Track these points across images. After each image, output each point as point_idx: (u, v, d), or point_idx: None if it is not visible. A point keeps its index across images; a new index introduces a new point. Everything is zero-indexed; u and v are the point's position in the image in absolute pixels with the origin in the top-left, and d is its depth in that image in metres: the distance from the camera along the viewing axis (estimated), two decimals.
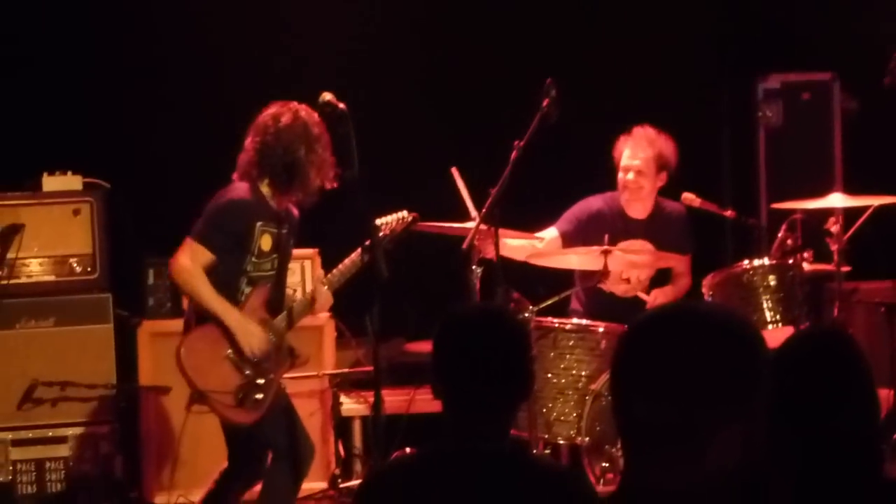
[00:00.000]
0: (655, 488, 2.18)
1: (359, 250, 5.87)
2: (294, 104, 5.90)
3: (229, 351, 5.75)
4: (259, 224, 5.80)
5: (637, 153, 6.93)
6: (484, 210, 6.27)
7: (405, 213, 6.14)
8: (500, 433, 3.41)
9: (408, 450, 3.53)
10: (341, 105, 5.66)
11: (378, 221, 5.96)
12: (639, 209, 7.03)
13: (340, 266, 5.98)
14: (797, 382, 3.13)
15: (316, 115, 5.85)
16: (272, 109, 5.90)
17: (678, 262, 7.05)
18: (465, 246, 6.31)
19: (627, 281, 7.06)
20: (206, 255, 5.74)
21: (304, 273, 7.43)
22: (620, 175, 6.98)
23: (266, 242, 5.84)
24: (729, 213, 7.14)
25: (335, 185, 5.90)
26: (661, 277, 7.16)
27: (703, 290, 6.68)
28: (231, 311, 5.74)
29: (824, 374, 3.11)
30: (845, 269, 6.97)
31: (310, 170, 5.83)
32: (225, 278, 5.78)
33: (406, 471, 3.39)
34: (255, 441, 5.83)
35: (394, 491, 3.36)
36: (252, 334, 5.76)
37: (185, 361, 5.72)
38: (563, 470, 3.49)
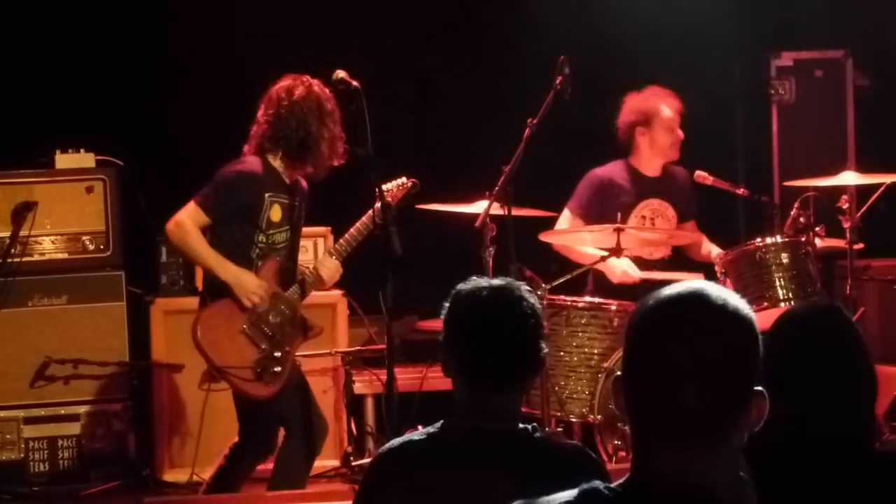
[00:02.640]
0: (678, 479, 2.12)
1: (364, 218, 5.89)
2: (307, 78, 5.90)
3: (245, 325, 5.76)
4: (268, 195, 5.80)
5: (673, 105, 6.97)
6: (497, 188, 6.28)
7: (404, 179, 6.14)
8: (512, 411, 3.40)
9: (419, 427, 3.53)
10: (355, 83, 5.65)
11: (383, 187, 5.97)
12: (654, 166, 7.05)
13: (347, 235, 5.99)
14: (790, 356, 3.14)
15: (328, 90, 5.85)
16: (286, 82, 5.90)
17: (689, 236, 7.05)
18: (478, 224, 6.31)
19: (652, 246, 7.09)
20: (202, 218, 5.75)
21: (317, 251, 7.43)
22: (665, 132, 6.96)
23: (276, 213, 5.84)
24: (741, 190, 7.14)
25: (342, 161, 5.90)
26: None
27: (716, 267, 6.68)
28: (225, 264, 5.74)
29: (816, 347, 3.12)
30: (858, 246, 6.96)
31: (321, 144, 5.84)
32: (237, 250, 5.79)
33: (417, 448, 3.38)
34: (268, 417, 5.84)
35: (404, 468, 3.35)
36: (248, 285, 5.76)
37: (201, 338, 5.72)
38: (575, 447, 3.46)
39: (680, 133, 7.02)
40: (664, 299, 2.17)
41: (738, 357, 2.13)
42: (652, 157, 7.06)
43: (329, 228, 7.40)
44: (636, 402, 2.16)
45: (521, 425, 3.37)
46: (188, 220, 5.73)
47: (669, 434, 2.13)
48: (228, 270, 5.75)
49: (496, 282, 3.48)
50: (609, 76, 7.82)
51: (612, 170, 7.10)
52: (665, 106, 7.01)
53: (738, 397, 2.13)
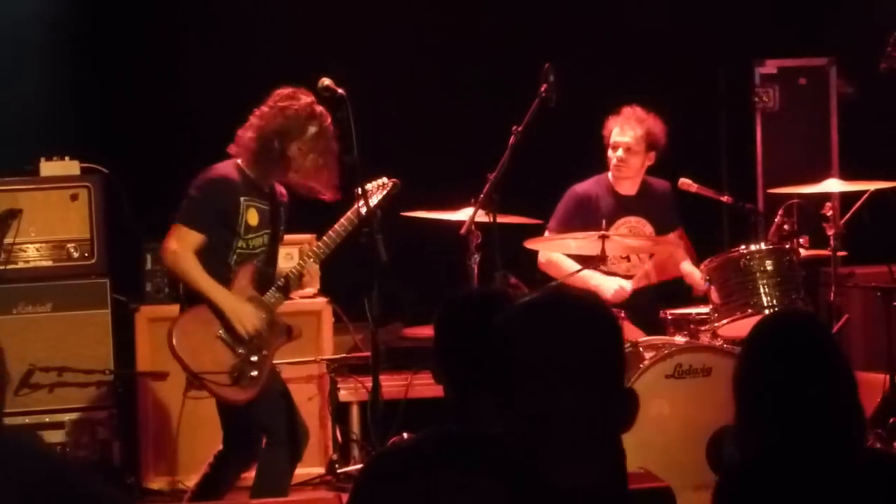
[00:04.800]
0: (569, 486, 2.18)
1: (342, 220, 5.90)
2: (307, 97, 5.88)
3: (221, 331, 5.75)
4: (243, 199, 5.81)
5: (626, 131, 6.99)
6: (482, 195, 6.29)
7: (385, 179, 6.15)
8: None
9: (405, 435, 3.53)
10: (340, 90, 5.65)
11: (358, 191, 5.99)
12: (628, 186, 7.08)
13: (325, 237, 5.99)
14: (766, 362, 3.16)
15: (327, 116, 5.84)
16: (288, 92, 5.90)
17: (674, 244, 7.07)
18: (463, 231, 6.32)
19: (627, 259, 7.09)
20: (194, 237, 5.74)
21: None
22: (610, 152, 7.03)
23: (252, 217, 5.84)
24: (726, 198, 7.15)
25: (330, 194, 5.91)
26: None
27: (701, 274, 6.69)
28: (221, 292, 5.74)
29: (790, 353, 3.14)
30: (841, 253, 7.00)
31: (293, 165, 5.83)
32: (215, 256, 5.79)
33: (410, 454, 3.39)
34: (250, 424, 5.84)
35: (398, 474, 3.36)
36: (243, 313, 5.76)
37: (176, 344, 5.72)
38: None
39: (622, 157, 6.98)
40: (525, 304, 2.28)
41: (601, 356, 2.22)
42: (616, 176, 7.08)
43: (314, 236, 7.39)
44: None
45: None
46: (180, 246, 5.74)
47: (548, 437, 2.23)
48: (224, 298, 5.75)
49: (485, 289, 3.51)
50: (595, 83, 7.85)
51: (591, 186, 7.11)
52: (617, 127, 6.99)
53: (608, 396, 2.20)
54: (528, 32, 8.31)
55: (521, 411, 2.19)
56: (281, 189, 5.99)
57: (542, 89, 6.27)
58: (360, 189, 5.64)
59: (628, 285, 6.88)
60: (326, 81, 5.69)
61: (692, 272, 6.98)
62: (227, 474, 5.95)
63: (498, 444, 3.35)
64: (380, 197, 6.07)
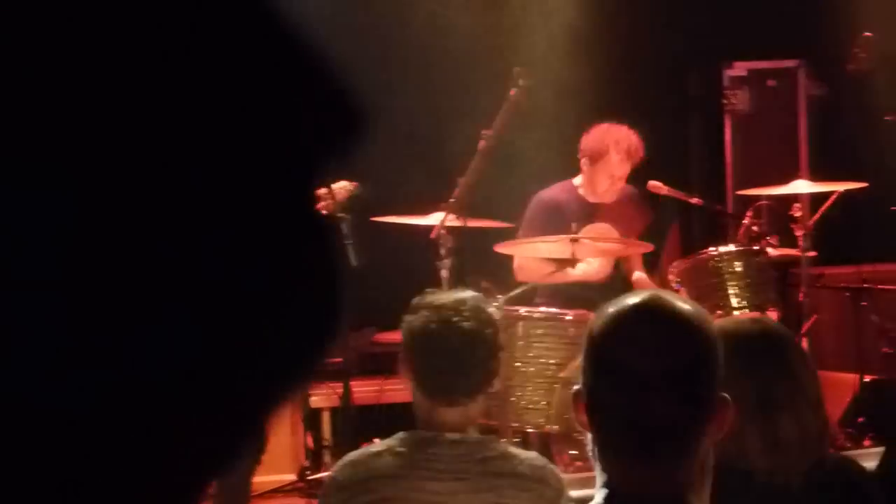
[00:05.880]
0: (646, 491, 2.13)
1: None
2: None
3: None
4: None
5: (626, 164, 6.92)
6: (453, 199, 6.28)
7: (346, 182, 6.15)
8: (470, 421, 3.42)
9: (376, 441, 3.52)
10: None
11: (321, 192, 6.01)
12: (598, 193, 7.06)
13: None
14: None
15: None
16: None
17: (645, 247, 7.07)
18: (433, 236, 6.31)
19: (597, 263, 7.08)
20: None
21: None
22: (606, 177, 6.94)
23: None
24: (696, 200, 7.15)
25: None
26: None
27: (670, 276, 6.70)
28: None
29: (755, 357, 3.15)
30: (811, 254, 7.01)
31: None
32: None
33: (376, 460, 3.39)
34: None
35: (364, 481, 3.35)
36: None
37: None
38: (532, 457, 3.48)
39: (619, 181, 6.97)
40: (624, 308, 2.17)
41: (699, 363, 2.14)
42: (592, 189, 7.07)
43: None
44: (600, 413, 2.16)
45: (479, 436, 3.41)
46: None
47: (638, 446, 2.12)
48: None
49: (453, 295, 3.50)
50: (565, 85, 7.86)
51: (557, 192, 7.07)
52: (615, 152, 6.97)
53: (704, 405, 2.14)
54: (496, 34, 8.30)
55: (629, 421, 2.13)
56: None
57: (512, 93, 6.27)
58: (324, 191, 5.65)
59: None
60: None
61: (642, 281, 6.97)
62: None
63: (462, 447, 3.37)
64: (342, 199, 6.07)
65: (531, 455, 3.51)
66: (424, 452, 3.36)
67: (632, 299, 2.20)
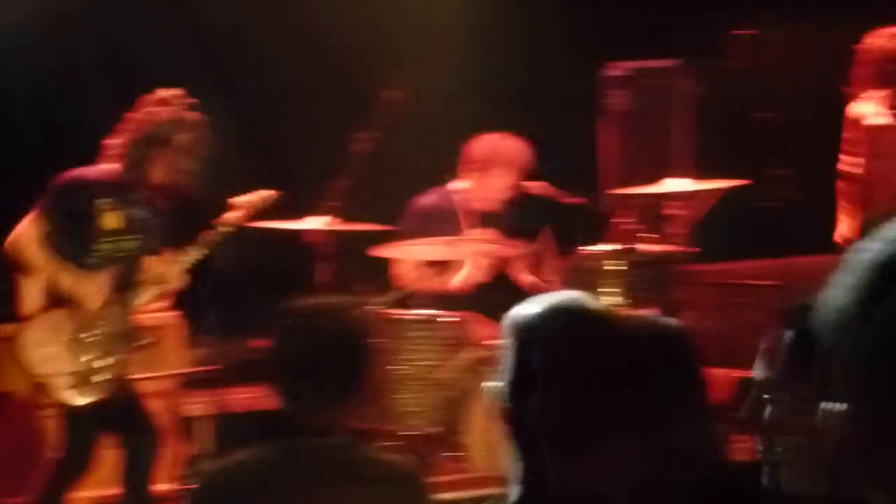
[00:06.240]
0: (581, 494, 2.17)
1: (202, 235, 5.90)
2: (183, 101, 5.87)
3: (72, 335, 5.73)
4: (103, 202, 5.77)
5: (513, 176, 6.91)
6: (330, 203, 6.26)
7: (265, 191, 6.17)
8: (337, 427, 3.43)
9: (247, 448, 3.51)
10: (188, 101, 5.71)
11: (239, 200, 5.99)
12: (483, 200, 7.04)
13: (190, 247, 5.98)
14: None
15: (194, 124, 5.84)
16: (155, 97, 5.89)
17: (523, 248, 7.06)
18: (310, 240, 6.28)
19: (475, 266, 7.06)
20: (43, 226, 5.74)
21: None
22: (490, 188, 6.93)
23: (111, 220, 5.82)
24: (575, 199, 7.16)
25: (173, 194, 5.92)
26: None
27: (547, 276, 6.71)
28: (62, 272, 5.72)
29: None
30: (689, 251, 7.05)
31: (153, 168, 5.82)
32: (73, 257, 5.79)
33: (243, 468, 3.40)
34: (90, 428, 5.83)
35: (231, 488, 3.36)
36: (85, 290, 5.75)
37: (22, 350, 5.70)
38: (397, 461, 3.51)
39: (504, 191, 6.97)
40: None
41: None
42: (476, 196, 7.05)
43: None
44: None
45: (345, 440, 3.41)
46: (26, 232, 5.72)
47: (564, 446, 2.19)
48: (67, 277, 5.73)
49: (320, 300, 3.57)
50: (445, 87, 7.85)
51: (436, 198, 7.05)
52: (503, 165, 6.94)
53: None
54: (373, 35, 8.27)
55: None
56: (170, 197, 5.98)
57: (388, 96, 6.26)
58: (237, 200, 5.69)
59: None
60: (171, 93, 5.74)
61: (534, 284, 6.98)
62: (63, 481, 5.91)
63: (328, 452, 3.35)
64: (261, 208, 6.10)
65: (397, 459, 3.58)
66: (291, 458, 3.38)
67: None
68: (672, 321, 3.61)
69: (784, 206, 7.66)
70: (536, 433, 2.14)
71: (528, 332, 2.14)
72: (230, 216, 5.99)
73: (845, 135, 6.98)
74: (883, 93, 6.80)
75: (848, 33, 7.36)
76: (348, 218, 6.41)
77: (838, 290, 1.38)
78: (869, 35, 6.85)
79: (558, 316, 2.18)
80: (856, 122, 6.92)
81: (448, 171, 7.11)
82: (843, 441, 1.39)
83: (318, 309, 3.53)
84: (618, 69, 8.47)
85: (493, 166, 6.93)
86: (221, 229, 5.99)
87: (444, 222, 6.90)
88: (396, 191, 7.23)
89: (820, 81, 7.85)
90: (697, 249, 7.22)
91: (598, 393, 2.15)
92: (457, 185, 7.04)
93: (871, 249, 1.38)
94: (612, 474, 2.23)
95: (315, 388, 3.41)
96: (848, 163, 6.98)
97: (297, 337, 3.45)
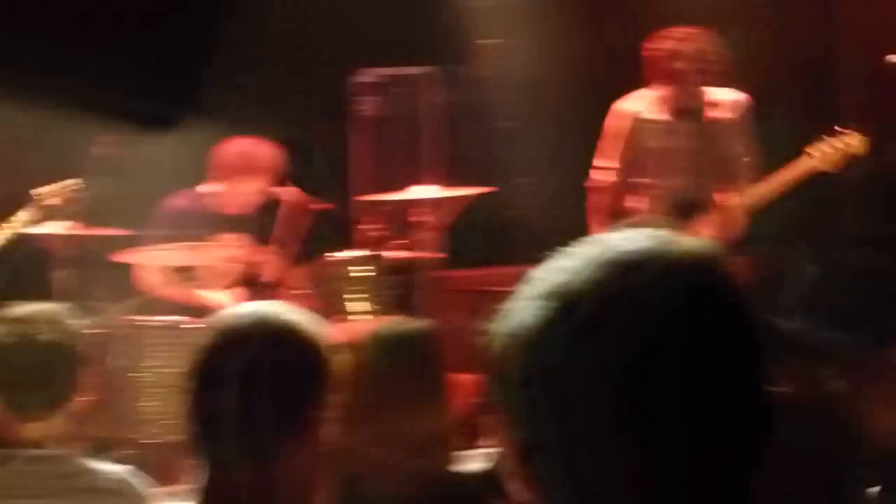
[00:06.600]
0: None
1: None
2: None
3: None
4: None
5: (262, 180, 6.85)
6: (69, 206, 6.15)
7: (69, 181, 6.02)
8: (47, 437, 3.35)
9: None
10: None
11: (39, 191, 5.86)
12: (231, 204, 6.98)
13: None
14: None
15: None
16: None
17: (271, 254, 7.01)
18: (47, 245, 6.15)
19: (222, 274, 6.99)
20: None
21: None
22: (240, 193, 6.85)
23: None
24: (322, 206, 7.15)
25: None
26: None
27: (294, 283, 6.69)
28: None
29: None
30: (436, 257, 7.11)
31: None
32: None
33: None
34: None
35: None
36: None
37: None
38: (112, 471, 3.43)
39: (254, 195, 6.92)
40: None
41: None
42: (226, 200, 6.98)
43: None
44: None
45: (59, 451, 3.34)
46: None
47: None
48: None
49: (31, 307, 3.50)
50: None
51: (185, 201, 6.94)
52: (251, 168, 6.87)
53: None
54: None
55: None
56: None
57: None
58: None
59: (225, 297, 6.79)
60: None
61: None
62: None
63: (40, 464, 3.27)
64: (65, 199, 5.93)
65: (114, 469, 3.50)
66: (1, 471, 3.29)
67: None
68: (416, 325, 3.66)
69: (530, 213, 7.80)
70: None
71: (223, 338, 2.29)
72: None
73: (601, 144, 7.01)
74: (662, 91, 6.81)
75: (597, 43, 7.55)
76: (91, 222, 6.26)
77: (521, 308, 1.36)
78: (657, 36, 6.81)
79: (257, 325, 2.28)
80: (620, 119, 6.93)
81: (198, 174, 7.02)
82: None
83: (24, 316, 3.48)
84: (368, 76, 8.48)
85: (242, 171, 6.86)
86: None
87: (194, 226, 6.79)
88: (144, 194, 7.09)
89: (564, 90, 8.03)
90: (445, 256, 7.27)
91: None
92: (207, 189, 6.95)
93: (557, 271, 1.36)
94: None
95: (22, 398, 3.35)
96: (601, 172, 7.01)
97: (3, 345, 3.38)
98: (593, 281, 1.30)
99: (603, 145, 6.99)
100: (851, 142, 6.54)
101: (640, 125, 6.86)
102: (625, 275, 1.29)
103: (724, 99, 6.83)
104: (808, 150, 6.55)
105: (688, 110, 6.81)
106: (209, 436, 2.27)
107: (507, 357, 1.34)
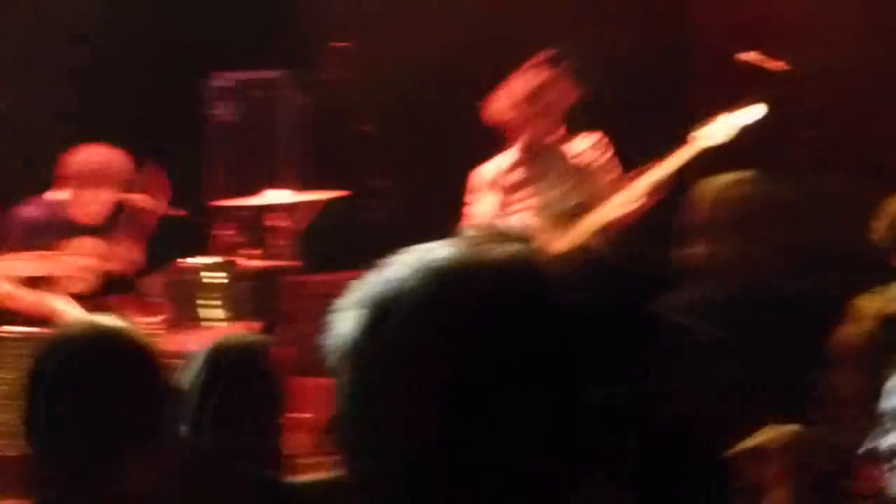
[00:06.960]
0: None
1: None
2: None
3: None
4: None
5: (110, 188, 6.75)
6: None
7: None
8: None
9: None
10: None
11: None
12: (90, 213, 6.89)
13: None
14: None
15: None
16: None
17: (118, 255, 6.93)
18: None
19: (74, 283, 6.89)
20: None
21: None
22: (92, 202, 6.76)
23: None
24: (175, 212, 7.08)
25: None
26: None
27: (146, 291, 6.61)
28: None
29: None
30: (291, 263, 7.08)
31: None
32: None
33: None
34: None
35: None
36: None
37: None
38: None
39: (104, 203, 6.83)
40: None
41: None
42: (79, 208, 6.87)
43: None
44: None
45: None
46: None
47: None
48: None
49: None
50: (44, 96, 7.64)
51: (36, 210, 6.83)
52: (102, 177, 6.79)
53: None
54: None
55: None
56: None
57: None
58: None
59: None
60: None
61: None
62: None
63: None
64: None
65: None
66: None
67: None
68: (253, 337, 3.66)
69: (385, 218, 7.81)
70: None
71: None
72: None
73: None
74: (517, 144, 6.71)
75: (454, 44, 7.59)
76: None
77: (341, 317, 1.38)
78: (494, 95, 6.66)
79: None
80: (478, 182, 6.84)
81: (47, 181, 6.92)
82: None
83: None
84: (221, 80, 8.42)
85: (90, 178, 6.77)
86: None
87: (46, 235, 6.68)
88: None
89: (420, 93, 8.05)
90: (299, 261, 7.25)
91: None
92: (56, 196, 6.84)
93: (375, 279, 1.38)
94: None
95: None
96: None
97: None
98: (406, 289, 1.32)
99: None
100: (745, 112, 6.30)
101: (500, 178, 6.70)
102: (435, 282, 1.31)
103: (580, 148, 6.77)
104: (692, 134, 6.30)
105: (544, 149, 6.65)
106: (44, 449, 2.23)
107: (333, 365, 1.36)
